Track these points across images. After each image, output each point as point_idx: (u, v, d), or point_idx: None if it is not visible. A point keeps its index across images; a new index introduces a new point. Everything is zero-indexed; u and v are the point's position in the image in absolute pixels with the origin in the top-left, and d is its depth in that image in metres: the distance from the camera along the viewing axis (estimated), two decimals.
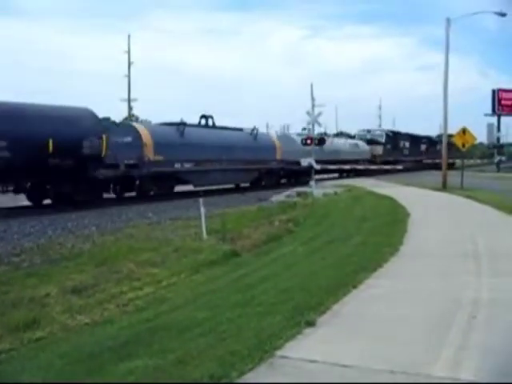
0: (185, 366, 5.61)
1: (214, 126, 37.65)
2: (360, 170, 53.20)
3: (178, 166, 31.79)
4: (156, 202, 27.46)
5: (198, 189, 30.57)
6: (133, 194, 30.38)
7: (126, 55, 64.53)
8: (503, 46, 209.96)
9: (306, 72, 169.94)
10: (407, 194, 29.58)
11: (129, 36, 65.22)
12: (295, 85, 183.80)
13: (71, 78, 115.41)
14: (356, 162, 53.82)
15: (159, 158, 30.25)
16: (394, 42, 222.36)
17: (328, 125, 66.34)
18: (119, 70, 76.01)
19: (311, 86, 36.08)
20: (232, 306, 8.01)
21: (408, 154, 65.78)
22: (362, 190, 32.73)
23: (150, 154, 29.88)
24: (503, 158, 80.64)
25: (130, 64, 64.66)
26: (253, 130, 40.32)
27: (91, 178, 25.79)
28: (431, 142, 75.02)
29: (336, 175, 53.25)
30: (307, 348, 6.14)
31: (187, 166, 32.39)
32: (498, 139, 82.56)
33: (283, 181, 43.51)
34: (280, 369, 5.56)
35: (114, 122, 34.85)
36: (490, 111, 79.97)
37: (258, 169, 38.13)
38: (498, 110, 78.94)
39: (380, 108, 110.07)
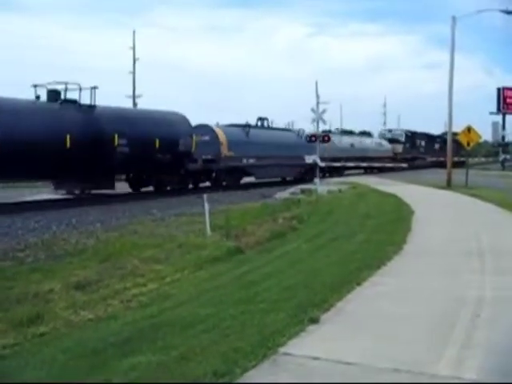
0: (188, 362, 5.61)
1: (269, 127, 43.21)
2: (385, 168, 57.73)
3: (244, 161, 37.37)
4: (160, 198, 27.50)
5: (259, 180, 38.87)
6: (207, 184, 35.29)
7: (129, 51, 64.31)
8: (509, 45, 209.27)
9: (311, 69, 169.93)
10: (411, 191, 29.56)
11: (134, 32, 64.99)
12: (299, 82, 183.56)
13: (74, 73, 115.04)
14: (380, 159, 58.35)
15: (231, 154, 35.86)
16: (399, 39, 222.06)
17: (332, 122, 66.54)
18: (123, 66, 75.91)
19: (316, 83, 36.02)
20: (235, 303, 8.01)
21: (424, 152, 69.52)
22: (367, 188, 32.70)
23: (224, 150, 35.65)
24: (508, 157, 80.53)
25: (135, 60, 64.52)
26: (299, 131, 45.83)
27: (183, 170, 32.21)
28: (444, 141, 76.10)
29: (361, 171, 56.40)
30: (310, 345, 6.14)
31: (251, 161, 37.81)
32: (503, 137, 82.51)
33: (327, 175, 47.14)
34: (283, 366, 5.56)
35: None
36: (495, 109, 79.89)
37: (303, 165, 40.53)
38: (503, 108, 78.86)
39: (385, 106, 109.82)
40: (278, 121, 55.21)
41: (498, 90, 79.71)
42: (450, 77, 37.05)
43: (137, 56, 64.76)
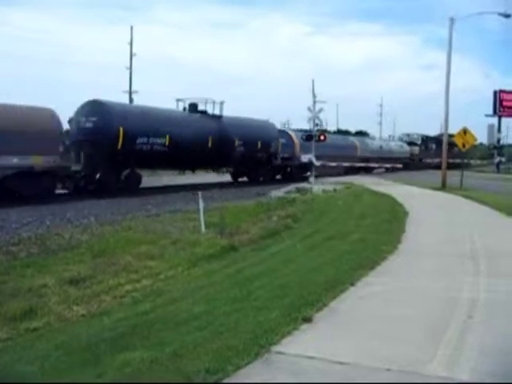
0: (181, 359, 5.62)
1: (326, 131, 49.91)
2: (407, 164, 66.14)
3: None
4: (155, 194, 27.48)
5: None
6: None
7: (129, 47, 64.36)
8: (507, 48, 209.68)
9: (308, 68, 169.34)
10: (406, 192, 29.60)
11: (131, 28, 65.06)
12: (297, 81, 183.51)
13: (73, 68, 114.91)
14: (400, 159, 65.67)
15: (302, 153, 42.59)
16: (397, 40, 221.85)
17: (329, 122, 67.08)
18: (122, 62, 75.76)
19: (313, 82, 36.23)
20: (229, 301, 8.01)
21: (434, 154, 72.90)
22: (361, 188, 32.72)
23: (297, 150, 44.00)
24: (503, 159, 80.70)
25: (132, 56, 64.55)
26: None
27: (272, 166, 42.18)
28: (451, 144, 79.00)
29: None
30: (303, 344, 6.15)
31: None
32: (499, 140, 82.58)
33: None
34: (276, 364, 5.57)
35: None
36: (491, 112, 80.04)
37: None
38: (499, 111, 79.00)
39: (381, 106, 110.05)
40: (275, 119, 55.50)
41: (495, 92, 79.82)
42: (447, 78, 37.11)
43: (135, 52, 64.87)
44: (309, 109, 35.45)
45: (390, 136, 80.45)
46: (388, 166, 61.30)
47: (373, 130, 75.04)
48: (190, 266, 11.26)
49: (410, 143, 73.43)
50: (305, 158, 36.20)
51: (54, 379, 5.46)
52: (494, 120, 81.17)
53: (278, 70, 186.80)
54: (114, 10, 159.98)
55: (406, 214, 19.25)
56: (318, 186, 31.50)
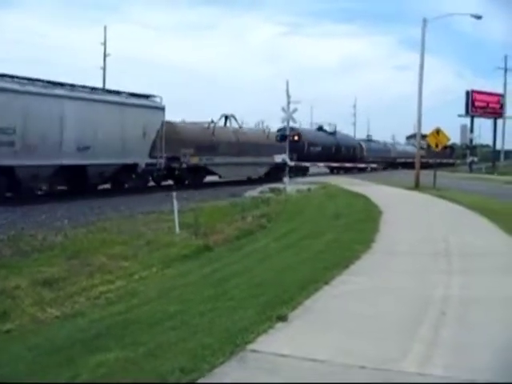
0: (156, 358, 5.61)
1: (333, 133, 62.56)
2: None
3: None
4: (129, 195, 27.32)
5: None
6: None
7: (101, 47, 64.12)
8: (479, 48, 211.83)
9: (283, 68, 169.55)
10: (380, 192, 29.76)
11: (105, 27, 64.92)
12: (272, 81, 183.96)
13: (45, 68, 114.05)
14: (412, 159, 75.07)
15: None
16: (371, 41, 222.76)
17: (302, 122, 67.48)
18: (96, 62, 75.30)
19: (287, 82, 36.32)
20: (204, 300, 8.01)
21: (438, 155, 78.38)
22: (336, 188, 32.83)
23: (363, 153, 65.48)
24: (475, 159, 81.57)
25: (105, 56, 64.29)
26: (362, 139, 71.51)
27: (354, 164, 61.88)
28: (450, 147, 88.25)
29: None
30: (278, 342, 6.17)
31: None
32: (471, 140, 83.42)
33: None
34: (251, 363, 5.58)
35: None
36: (463, 112, 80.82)
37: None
38: (472, 111, 79.78)
39: (355, 107, 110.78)
40: (249, 119, 55.54)
41: (467, 92, 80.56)
42: (420, 79, 37.45)
43: (110, 52, 64.65)
44: (283, 109, 35.53)
45: (393, 138, 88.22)
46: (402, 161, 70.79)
47: (347, 131, 75.49)
48: (164, 266, 11.23)
49: (421, 147, 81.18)
50: (278, 159, 36.23)
51: (29, 380, 5.41)
52: (467, 120, 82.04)
53: (253, 70, 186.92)
54: (88, 10, 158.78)
55: (380, 213, 19.36)
56: (292, 186, 31.55)
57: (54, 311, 8.28)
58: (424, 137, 40.61)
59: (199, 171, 35.77)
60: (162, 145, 31.27)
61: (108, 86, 57.39)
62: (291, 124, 36.82)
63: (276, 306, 7.40)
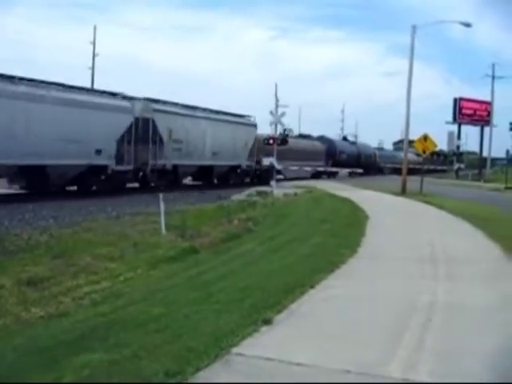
0: (140, 360, 5.59)
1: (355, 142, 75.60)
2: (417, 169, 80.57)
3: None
4: (115, 197, 27.26)
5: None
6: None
7: (91, 47, 63.92)
8: (467, 56, 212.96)
9: (272, 72, 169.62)
10: (367, 197, 29.82)
11: (94, 27, 64.42)
12: (261, 85, 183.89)
13: (35, 67, 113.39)
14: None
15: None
16: (360, 47, 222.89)
17: (291, 126, 67.60)
18: (84, 62, 74.99)
19: (275, 86, 36.51)
20: (189, 303, 7.99)
21: (433, 162, 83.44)
22: (322, 192, 32.88)
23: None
24: (462, 166, 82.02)
25: (94, 56, 64.05)
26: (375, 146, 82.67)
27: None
28: (443, 155, 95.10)
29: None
30: (263, 346, 6.16)
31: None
32: (458, 147, 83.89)
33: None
34: (235, 366, 5.57)
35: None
36: (451, 119, 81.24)
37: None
38: (459, 118, 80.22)
39: (343, 112, 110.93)
40: None
41: (455, 100, 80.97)
42: (409, 85, 37.55)
43: (98, 52, 64.33)
44: (271, 113, 35.60)
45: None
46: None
47: (334, 136, 76.05)
48: (150, 268, 11.24)
49: (418, 154, 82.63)
50: (266, 162, 36.28)
51: (29, 380, 5.38)
52: (454, 127, 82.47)
53: (242, 73, 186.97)
54: (77, 10, 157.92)
55: (366, 218, 19.40)
56: (278, 190, 31.59)
57: (38, 311, 8.27)
58: (411, 142, 40.72)
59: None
60: (255, 152, 43.65)
61: (96, 86, 57.53)
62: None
63: (261, 310, 7.39)
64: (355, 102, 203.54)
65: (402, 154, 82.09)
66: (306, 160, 52.25)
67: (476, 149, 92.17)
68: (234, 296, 8.34)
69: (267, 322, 6.98)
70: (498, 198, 36.20)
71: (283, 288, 8.72)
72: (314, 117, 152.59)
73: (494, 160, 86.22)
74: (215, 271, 10.63)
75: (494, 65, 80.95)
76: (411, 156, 79.38)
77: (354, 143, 74.02)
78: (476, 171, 79.69)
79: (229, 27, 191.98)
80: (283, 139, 38.78)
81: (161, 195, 16.61)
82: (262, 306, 7.59)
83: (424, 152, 37.14)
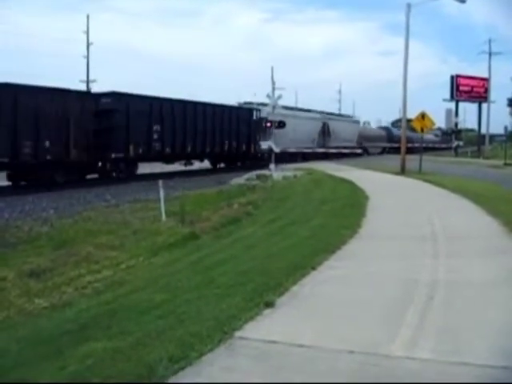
0: (144, 347, 5.60)
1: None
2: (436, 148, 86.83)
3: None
4: (115, 184, 27.24)
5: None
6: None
7: (84, 36, 63.79)
8: (463, 33, 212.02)
9: (267, 55, 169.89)
10: (366, 177, 29.78)
11: (87, 16, 64.60)
12: (256, 68, 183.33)
13: (29, 57, 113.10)
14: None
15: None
16: (356, 26, 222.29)
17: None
18: (79, 51, 74.69)
19: (272, 69, 36.71)
20: (191, 288, 8.01)
21: (441, 141, 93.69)
22: (322, 174, 32.81)
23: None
24: (461, 143, 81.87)
25: (88, 44, 63.92)
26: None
27: None
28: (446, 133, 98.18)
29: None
30: (266, 329, 6.18)
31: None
32: (456, 124, 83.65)
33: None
34: (239, 350, 5.59)
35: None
36: (448, 97, 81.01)
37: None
38: (457, 95, 79.90)
39: (340, 92, 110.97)
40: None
41: (452, 77, 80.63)
42: (405, 64, 37.38)
43: (91, 41, 64.24)
44: (268, 96, 35.54)
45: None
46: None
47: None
48: (151, 255, 11.25)
49: (436, 135, 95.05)
50: (264, 145, 36.27)
51: (29, 380, 5.38)
52: (452, 105, 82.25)
53: (237, 57, 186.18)
54: None
55: (366, 198, 19.38)
56: (278, 173, 31.57)
57: (41, 302, 8.29)
58: (409, 121, 40.65)
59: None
60: (358, 140, 67.27)
61: (92, 75, 57.35)
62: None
63: (263, 293, 7.40)
64: (352, 82, 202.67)
65: (426, 136, 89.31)
66: (377, 142, 75.26)
67: (474, 126, 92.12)
68: (235, 280, 8.35)
69: (269, 304, 7.00)
70: (497, 174, 36.17)
71: (285, 270, 8.73)
72: (311, 97, 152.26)
73: (493, 136, 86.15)
74: (216, 256, 10.64)
75: (490, 41, 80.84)
76: (430, 136, 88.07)
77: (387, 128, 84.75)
78: (475, 148, 79.64)
79: (221, 10, 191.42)
80: (280, 122, 38.67)
81: (160, 181, 16.59)
82: (264, 289, 7.60)
83: (422, 130, 37.05)
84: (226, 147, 39.48)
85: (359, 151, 67.80)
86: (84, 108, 27.74)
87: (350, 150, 64.48)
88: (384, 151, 74.80)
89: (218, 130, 38.05)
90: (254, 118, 42.78)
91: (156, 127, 32.26)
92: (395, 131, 76.54)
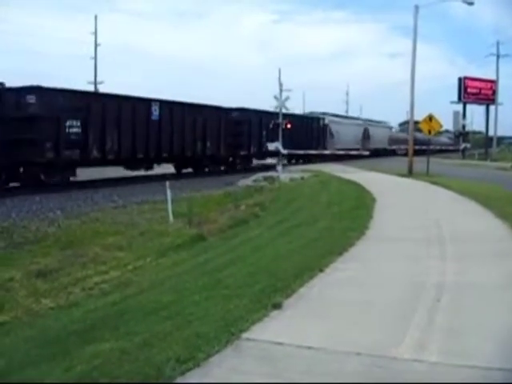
0: (151, 348, 5.61)
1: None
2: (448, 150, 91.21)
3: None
4: (122, 185, 27.25)
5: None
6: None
7: (91, 37, 63.93)
8: (471, 35, 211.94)
9: (275, 56, 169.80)
10: (373, 179, 29.74)
11: (95, 17, 64.69)
12: (265, 69, 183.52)
13: (36, 58, 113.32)
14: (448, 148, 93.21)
15: None
16: (364, 28, 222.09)
17: (295, 110, 67.95)
18: (86, 52, 74.79)
19: (279, 70, 36.47)
20: (198, 290, 8.00)
21: (453, 143, 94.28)
22: (329, 176, 32.80)
23: None
24: (468, 146, 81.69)
25: (96, 45, 64.05)
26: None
27: None
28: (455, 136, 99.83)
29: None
30: (273, 330, 6.18)
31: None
32: (464, 127, 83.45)
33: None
34: (246, 351, 5.59)
35: None
36: (456, 99, 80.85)
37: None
38: (464, 97, 79.75)
39: (347, 94, 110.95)
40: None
41: (460, 79, 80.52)
42: (413, 65, 37.35)
43: (99, 42, 64.36)
44: (275, 97, 35.55)
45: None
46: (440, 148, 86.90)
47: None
48: (158, 256, 11.24)
49: (449, 137, 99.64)
50: (271, 147, 36.29)
51: (29, 380, 5.39)
52: (459, 107, 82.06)
53: (245, 59, 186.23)
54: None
55: (373, 200, 19.35)
56: (285, 175, 31.56)
57: (48, 302, 8.29)
58: (417, 123, 40.59)
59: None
60: (388, 142, 73.51)
61: (99, 77, 57.40)
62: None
63: (271, 295, 7.40)
64: (360, 83, 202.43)
65: (440, 139, 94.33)
66: (403, 144, 71.26)
67: (482, 128, 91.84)
68: (242, 281, 8.35)
69: (277, 306, 6.99)
70: (504, 176, 36.07)
71: (292, 272, 8.72)
72: (318, 99, 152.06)
73: (501, 139, 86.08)
74: (223, 257, 10.64)
75: (498, 43, 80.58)
76: (445, 139, 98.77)
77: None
78: (482, 150, 79.45)
79: (230, 12, 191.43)
80: (287, 123, 38.87)
81: (167, 183, 16.60)
82: (272, 291, 7.60)
83: (429, 132, 36.99)
84: (313, 151, 51.92)
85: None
86: (221, 119, 37.99)
87: (383, 150, 72.17)
88: (407, 152, 78.82)
89: (303, 137, 49.26)
90: (321, 125, 54.47)
91: (264, 133, 42.17)
92: (419, 135, 76.01)
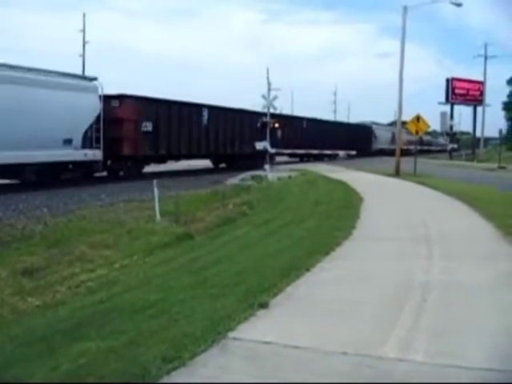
0: (137, 347, 5.59)
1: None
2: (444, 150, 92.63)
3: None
4: (109, 183, 27.16)
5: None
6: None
7: (80, 34, 63.80)
8: (459, 36, 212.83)
9: (264, 56, 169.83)
10: (360, 179, 29.82)
11: (84, 14, 64.80)
12: (252, 68, 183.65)
13: (24, 56, 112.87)
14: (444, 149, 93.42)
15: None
16: (352, 28, 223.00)
17: (283, 109, 68.10)
18: (74, 50, 74.66)
19: (267, 70, 36.40)
20: (185, 288, 8.00)
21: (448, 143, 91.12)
22: (316, 175, 32.82)
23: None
24: (455, 146, 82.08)
25: (84, 43, 63.93)
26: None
27: None
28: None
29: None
30: (260, 330, 6.18)
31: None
32: (451, 127, 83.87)
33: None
34: (233, 350, 5.58)
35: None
36: (443, 100, 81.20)
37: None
38: (452, 98, 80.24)
39: (335, 94, 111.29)
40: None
41: (447, 80, 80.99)
42: (401, 66, 37.49)
43: (88, 39, 64.26)
44: (263, 96, 35.52)
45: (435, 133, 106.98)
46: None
47: (327, 118, 76.67)
48: (145, 254, 11.21)
49: (445, 139, 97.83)
50: (259, 146, 36.27)
51: (30, 380, 5.36)
52: (447, 107, 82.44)
53: (233, 58, 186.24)
54: None
55: (360, 200, 19.40)
56: (272, 174, 31.55)
57: (34, 301, 8.25)
58: (404, 123, 40.73)
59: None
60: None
61: (88, 74, 57.32)
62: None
63: (257, 294, 7.41)
64: (348, 83, 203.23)
65: (439, 140, 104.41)
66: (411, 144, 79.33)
67: (469, 129, 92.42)
68: (229, 280, 8.35)
69: (263, 305, 7.00)
70: (491, 177, 36.28)
71: (279, 271, 8.73)
72: (307, 99, 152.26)
73: (488, 140, 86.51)
74: (211, 256, 10.62)
75: (486, 45, 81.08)
76: (442, 140, 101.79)
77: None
78: (470, 151, 79.83)
79: (219, 11, 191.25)
80: (275, 122, 38.88)
81: (155, 181, 16.55)
82: (258, 290, 7.60)
83: (417, 132, 37.14)
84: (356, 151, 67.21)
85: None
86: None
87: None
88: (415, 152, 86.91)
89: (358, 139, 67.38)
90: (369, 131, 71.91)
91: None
92: (425, 137, 79.93)
